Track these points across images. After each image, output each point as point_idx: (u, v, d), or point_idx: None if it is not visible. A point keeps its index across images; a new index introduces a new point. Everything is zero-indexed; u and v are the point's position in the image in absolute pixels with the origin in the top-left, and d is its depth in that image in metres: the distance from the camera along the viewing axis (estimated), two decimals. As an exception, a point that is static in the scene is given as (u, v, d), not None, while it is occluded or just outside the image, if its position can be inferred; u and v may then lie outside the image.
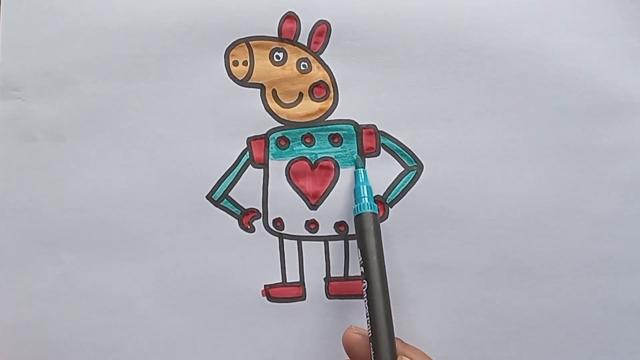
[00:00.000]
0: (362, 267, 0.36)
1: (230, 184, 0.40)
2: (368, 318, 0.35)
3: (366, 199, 0.38)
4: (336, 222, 0.40)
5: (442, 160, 0.39)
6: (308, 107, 0.40)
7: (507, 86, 0.39)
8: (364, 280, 0.36)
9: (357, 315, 0.39)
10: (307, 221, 0.40)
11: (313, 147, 0.40)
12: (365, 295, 0.36)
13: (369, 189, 0.38)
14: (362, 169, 0.39)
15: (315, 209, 0.40)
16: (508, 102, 0.39)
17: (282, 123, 0.40)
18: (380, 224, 0.39)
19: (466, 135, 0.39)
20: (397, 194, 0.39)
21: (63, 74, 0.41)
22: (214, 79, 0.40)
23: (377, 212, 0.38)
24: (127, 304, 0.40)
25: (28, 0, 0.41)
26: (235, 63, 0.40)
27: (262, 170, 0.40)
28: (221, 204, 0.40)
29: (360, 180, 0.39)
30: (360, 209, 0.37)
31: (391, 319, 0.35)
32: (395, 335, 0.35)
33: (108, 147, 0.41)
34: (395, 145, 0.40)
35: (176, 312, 0.40)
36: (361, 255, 0.36)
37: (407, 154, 0.40)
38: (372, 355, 0.34)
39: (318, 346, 0.39)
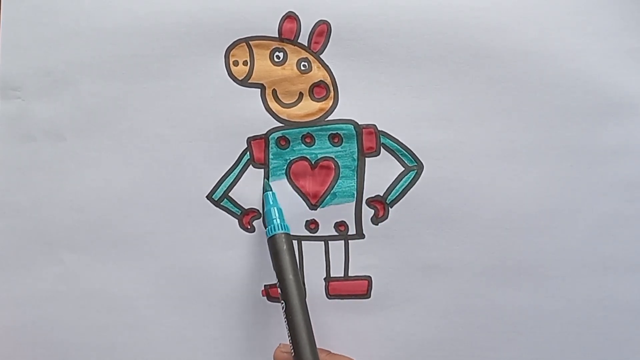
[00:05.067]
0: (279, 289, 0.36)
1: (230, 184, 0.40)
2: (290, 337, 0.35)
3: (277, 220, 0.38)
4: (336, 222, 0.40)
5: (442, 160, 0.39)
6: (308, 107, 0.40)
7: (507, 86, 0.39)
8: (282, 301, 0.36)
9: (357, 315, 0.39)
10: (307, 221, 0.40)
11: (313, 147, 0.40)
12: (285, 315, 0.36)
13: (279, 210, 0.39)
14: (270, 192, 0.39)
15: (315, 209, 0.40)
16: (508, 102, 0.39)
17: (282, 123, 0.40)
18: (381, 224, 0.39)
19: (466, 135, 0.39)
20: (397, 194, 0.39)
21: (63, 74, 0.41)
22: (214, 79, 0.40)
23: (289, 232, 0.38)
24: (127, 304, 0.40)
25: (28, 0, 0.41)
26: (236, 63, 0.40)
27: (262, 170, 0.40)
28: (221, 204, 0.40)
29: (270, 203, 0.39)
30: (273, 231, 0.38)
31: (312, 335, 0.35)
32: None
33: (108, 147, 0.41)
34: (396, 145, 0.40)
35: (176, 312, 0.40)
36: (277, 277, 0.37)
37: (407, 154, 0.40)
38: None
39: (318, 346, 0.39)
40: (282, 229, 0.38)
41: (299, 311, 0.35)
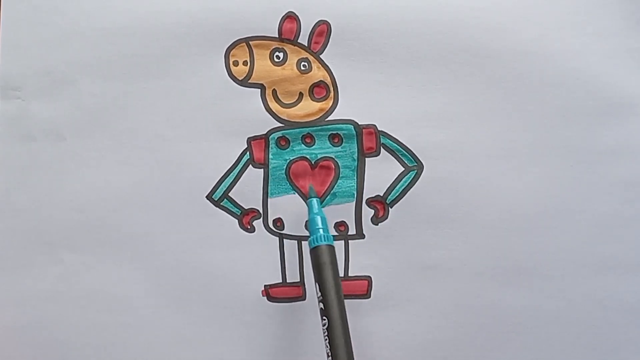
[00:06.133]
0: (320, 303, 0.35)
1: (230, 184, 0.40)
2: (329, 358, 0.34)
3: (321, 230, 0.37)
4: (336, 222, 0.40)
5: (442, 160, 0.39)
6: (308, 107, 0.40)
7: (507, 86, 0.39)
8: (324, 317, 0.35)
9: (357, 315, 0.39)
10: (307, 221, 0.40)
11: (313, 147, 0.40)
12: (326, 333, 0.35)
13: (324, 219, 0.38)
14: (314, 199, 0.38)
15: (315, 209, 0.40)
16: (508, 102, 0.39)
17: (282, 123, 0.40)
18: (381, 224, 0.39)
19: (466, 135, 0.39)
20: (397, 194, 0.39)
21: (63, 74, 0.41)
22: (214, 79, 0.40)
23: (333, 244, 0.37)
24: (127, 304, 0.40)
25: (28, 0, 0.41)
26: (236, 63, 0.40)
27: (262, 170, 0.40)
28: (221, 204, 0.40)
29: (314, 211, 0.38)
30: (316, 242, 0.36)
31: (352, 356, 0.34)
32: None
33: (108, 147, 0.41)
34: (395, 145, 0.40)
35: (176, 312, 0.40)
36: (319, 290, 0.35)
37: (407, 154, 0.40)
38: None
39: (318, 346, 0.39)
40: (325, 240, 0.36)
41: (340, 330, 0.34)
